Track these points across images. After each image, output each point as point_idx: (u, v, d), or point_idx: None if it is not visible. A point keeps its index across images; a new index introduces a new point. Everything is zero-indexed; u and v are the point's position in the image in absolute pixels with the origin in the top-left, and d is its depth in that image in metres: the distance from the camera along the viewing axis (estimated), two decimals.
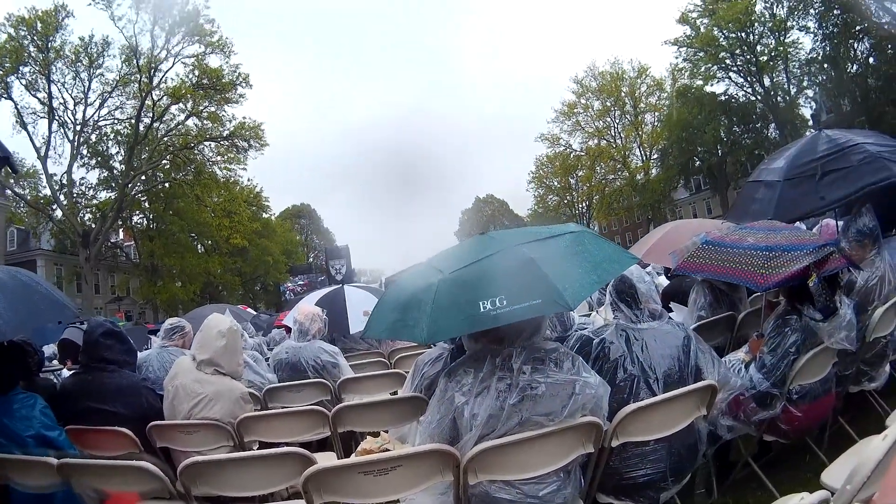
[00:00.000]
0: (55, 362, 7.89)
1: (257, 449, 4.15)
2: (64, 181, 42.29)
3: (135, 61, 41.92)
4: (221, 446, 4.09)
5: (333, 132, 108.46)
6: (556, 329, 4.11)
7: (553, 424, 2.66)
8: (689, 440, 3.22)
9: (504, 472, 2.67)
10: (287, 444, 3.70)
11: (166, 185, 46.04)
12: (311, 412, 4.30)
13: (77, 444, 3.74)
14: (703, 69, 49.07)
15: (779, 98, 47.05)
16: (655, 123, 55.34)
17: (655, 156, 55.67)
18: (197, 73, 43.05)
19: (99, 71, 42.60)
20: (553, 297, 2.41)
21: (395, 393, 5.11)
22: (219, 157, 46.38)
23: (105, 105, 43.42)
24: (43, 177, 42.12)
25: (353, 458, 2.95)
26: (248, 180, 50.33)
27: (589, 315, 5.54)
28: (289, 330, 8.61)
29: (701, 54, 48.45)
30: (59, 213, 42.11)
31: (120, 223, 46.79)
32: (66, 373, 6.58)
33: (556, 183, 61.52)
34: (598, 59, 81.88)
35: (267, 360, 6.64)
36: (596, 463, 2.95)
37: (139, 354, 5.34)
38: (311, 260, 67.00)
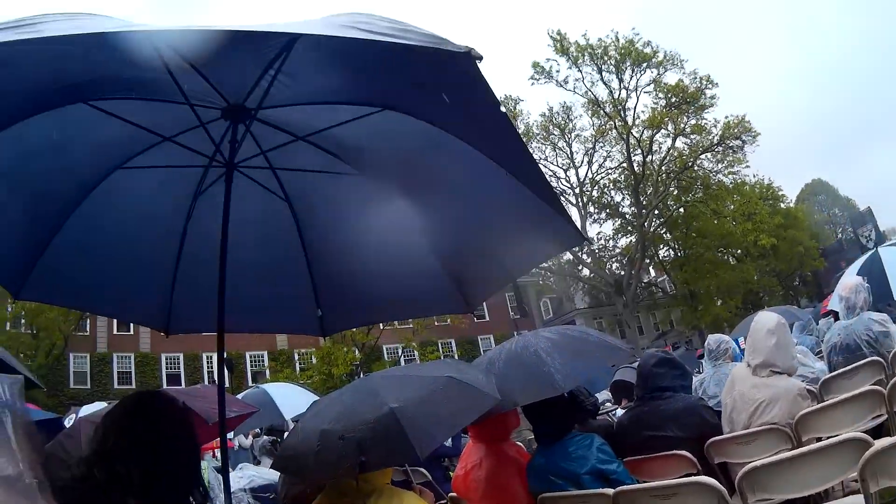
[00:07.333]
0: (608, 404, 8.49)
1: None
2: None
3: (601, 111, 43.65)
4: (779, 451, 3.87)
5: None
6: None
7: None
8: None
9: None
10: None
11: (680, 210, 46.45)
12: (866, 394, 3.90)
13: (635, 475, 3.83)
14: None
15: None
16: None
17: None
18: (662, 95, 42.93)
19: (574, 133, 45.56)
20: None
21: None
22: (719, 165, 45.13)
23: (593, 161, 46.09)
24: None
25: None
26: (754, 175, 48.00)
27: None
28: (836, 316, 8.02)
29: None
30: (585, 271, 45.77)
31: (647, 262, 48.50)
32: (619, 412, 7.00)
33: None
34: None
35: (818, 353, 6.30)
36: None
37: (693, 379, 5.45)
38: (839, 235, 60.35)
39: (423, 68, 2.30)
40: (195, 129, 2.96)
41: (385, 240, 3.62)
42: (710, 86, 41.91)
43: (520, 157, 2.74)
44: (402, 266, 3.70)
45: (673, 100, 42.30)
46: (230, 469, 3.73)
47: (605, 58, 42.29)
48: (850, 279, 5.62)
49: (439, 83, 2.39)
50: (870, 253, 8.59)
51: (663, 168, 44.68)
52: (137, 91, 2.72)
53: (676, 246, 49.32)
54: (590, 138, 45.53)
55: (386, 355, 42.41)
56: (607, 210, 47.01)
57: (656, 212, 45.61)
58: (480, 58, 1.85)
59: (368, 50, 2.12)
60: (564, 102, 45.52)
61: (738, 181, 45.72)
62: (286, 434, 6.95)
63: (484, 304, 43.48)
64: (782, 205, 51.30)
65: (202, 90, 2.68)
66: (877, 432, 3.95)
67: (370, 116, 2.95)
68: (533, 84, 43.88)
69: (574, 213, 45.03)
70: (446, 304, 3.99)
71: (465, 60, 1.85)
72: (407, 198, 3.47)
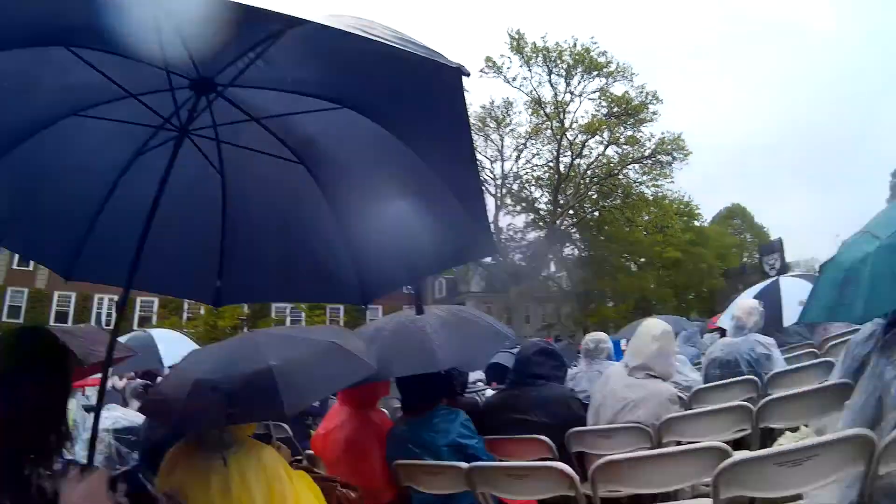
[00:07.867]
0: (479, 383, 8.65)
1: None
2: (491, 230, 45.28)
3: (542, 111, 43.83)
4: (638, 448, 4.00)
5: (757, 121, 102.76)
6: None
7: None
8: None
9: None
10: None
11: (595, 213, 47.10)
12: (735, 408, 4.07)
13: (494, 454, 3.88)
14: None
15: None
16: None
17: None
18: (605, 104, 43.37)
19: (509, 128, 45.46)
20: None
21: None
22: (644, 177, 45.56)
23: (521, 156, 46.06)
24: None
25: (770, 449, 2.83)
26: (675, 191, 48.44)
27: None
28: (722, 332, 8.51)
29: None
30: (488, 258, 46.12)
31: (551, 257, 49.15)
32: (489, 392, 7.07)
33: None
34: None
35: (697, 363, 6.64)
36: None
37: (569, 371, 5.53)
38: (744, 260, 62.63)
39: (408, 76, 2.33)
40: (157, 93, 2.93)
41: (303, 226, 3.67)
42: (654, 101, 42.73)
43: (466, 174, 2.80)
44: (312, 254, 3.75)
45: (615, 110, 42.90)
46: None
47: (559, 61, 42.55)
48: (748, 301, 5.86)
49: (419, 92, 2.44)
50: (771, 280, 9.13)
51: (588, 172, 45.26)
52: (122, 47, 2.61)
53: (582, 246, 50.05)
54: (523, 135, 45.61)
55: (273, 313, 41.56)
56: (523, 204, 47.22)
57: (571, 212, 46.22)
58: (468, 74, 1.93)
59: (360, 51, 2.15)
60: (507, 98, 45.44)
61: (660, 195, 46.56)
62: (159, 379, 6.80)
63: None
64: (696, 222, 52.95)
65: (180, 58, 2.64)
66: (737, 445, 4.08)
67: (328, 111, 2.99)
68: (481, 77, 43.32)
69: (490, 202, 45.12)
70: (343, 294, 4.01)
71: (453, 75, 1.92)
72: (336, 192, 3.52)
